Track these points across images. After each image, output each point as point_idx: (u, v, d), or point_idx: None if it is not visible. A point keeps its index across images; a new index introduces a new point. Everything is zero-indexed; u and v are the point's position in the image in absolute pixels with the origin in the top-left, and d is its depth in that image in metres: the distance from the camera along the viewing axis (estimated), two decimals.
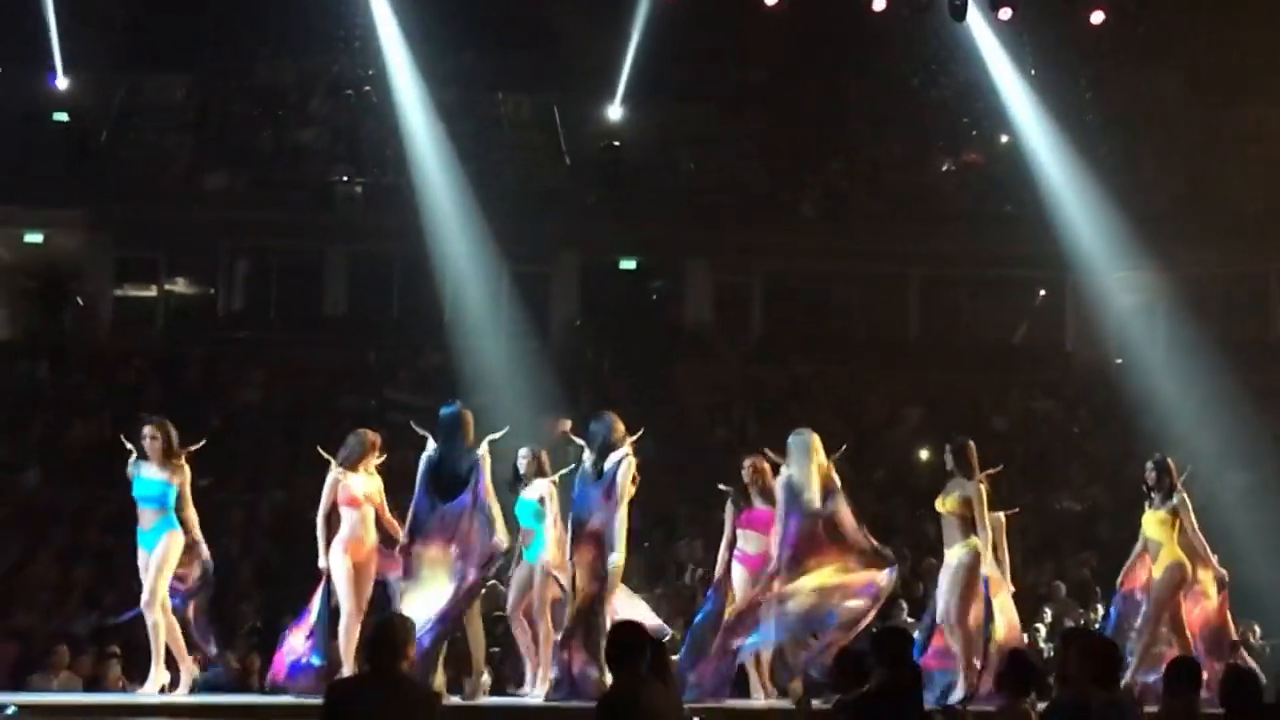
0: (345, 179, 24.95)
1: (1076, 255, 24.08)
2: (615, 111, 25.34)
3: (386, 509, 11.89)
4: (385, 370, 22.47)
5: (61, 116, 24.97)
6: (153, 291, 25.16)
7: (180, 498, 11.80)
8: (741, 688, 12.51)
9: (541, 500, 12.09)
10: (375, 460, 11.95)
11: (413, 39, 23.47)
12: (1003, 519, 12.75)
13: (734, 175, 26.25)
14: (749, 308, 26.12)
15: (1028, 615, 14.79)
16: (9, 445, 20.12)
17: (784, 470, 12.21)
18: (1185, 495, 12.66)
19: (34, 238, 24.78)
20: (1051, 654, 14.70)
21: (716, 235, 25.13)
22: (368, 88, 24.95)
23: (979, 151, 26.69)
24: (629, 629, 7.93)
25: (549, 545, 12.00)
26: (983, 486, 12.22)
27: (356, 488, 11.73)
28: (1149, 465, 12.86)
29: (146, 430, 11.80)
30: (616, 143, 25.32)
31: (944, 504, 12.31)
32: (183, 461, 11.84)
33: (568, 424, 14.47)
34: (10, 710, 10.03)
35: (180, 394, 21.09)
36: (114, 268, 24.90)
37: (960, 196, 26.34)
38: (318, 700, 9.83)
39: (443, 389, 20.65)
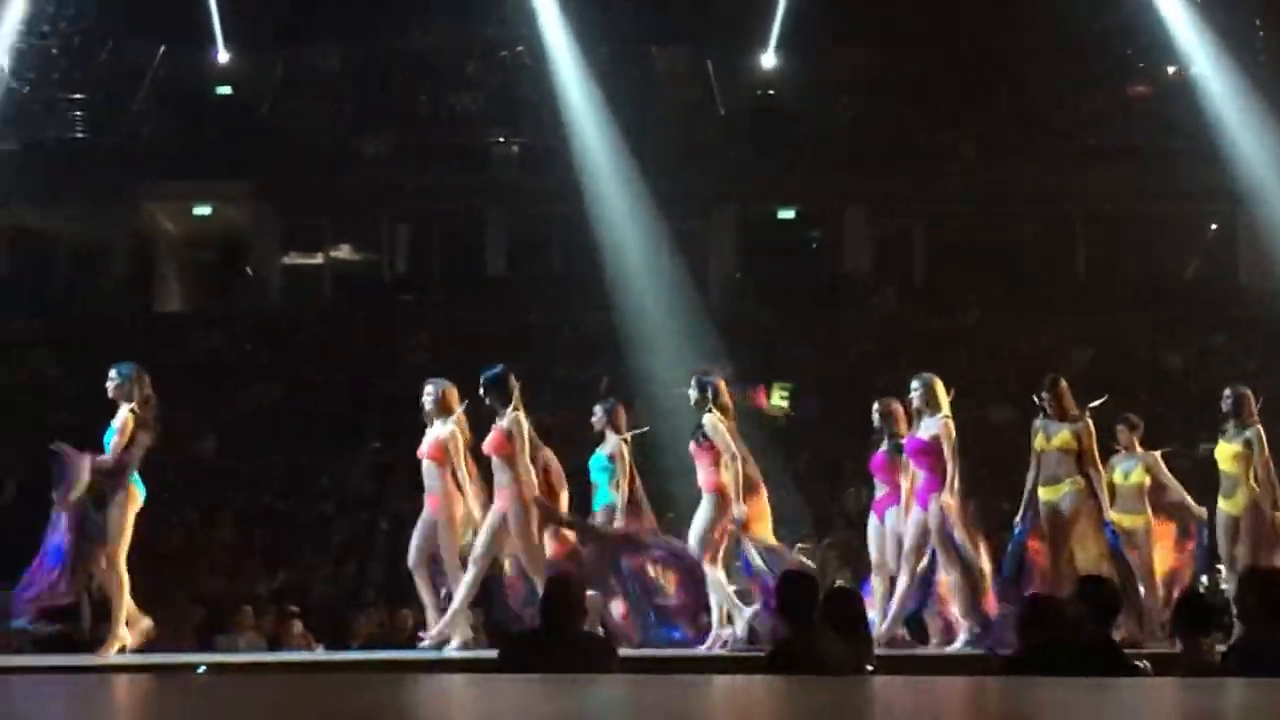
0: (502, 141, 25.10)
1: (1248, 188, 23.50)
2: (769, 60, 25.20)
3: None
4: (547, 331, 22.65)
5: (224, 90, 25.48)
6: (318, 259, 25.59)
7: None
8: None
9: (611, 457, 12.16)
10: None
11: None
12: (1158, 456, 12.62)
13: (891, 119, 25.97)
14: (909, 253, 25.89)
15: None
16: (185, 414, 20.61)
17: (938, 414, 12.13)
18: (1260, 429, 12.31)
19: (202, 210, 25.33)
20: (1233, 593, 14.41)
21: (875, 181, 24.89)
22: (521, 49, 25.06)
23: (1145, 84, 26.11)
24: (801, 579, 7.95)
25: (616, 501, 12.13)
26: (1089, 423, 12.07)
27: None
28: (1226, 394, 12.55)
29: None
30: (771, 92, 25.19)
31: (1048, 442, 12.15)
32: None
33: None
34: (201, 669, 10.34)
35: (348, 360, 21.45)
36: (280, 237, 25.35)
37: (1126, 131, 25.80)
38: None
39: (606, 347, 20.92)
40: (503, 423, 11.58)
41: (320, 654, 12.29)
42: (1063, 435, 11.96)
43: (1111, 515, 12.01)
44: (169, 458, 15.26)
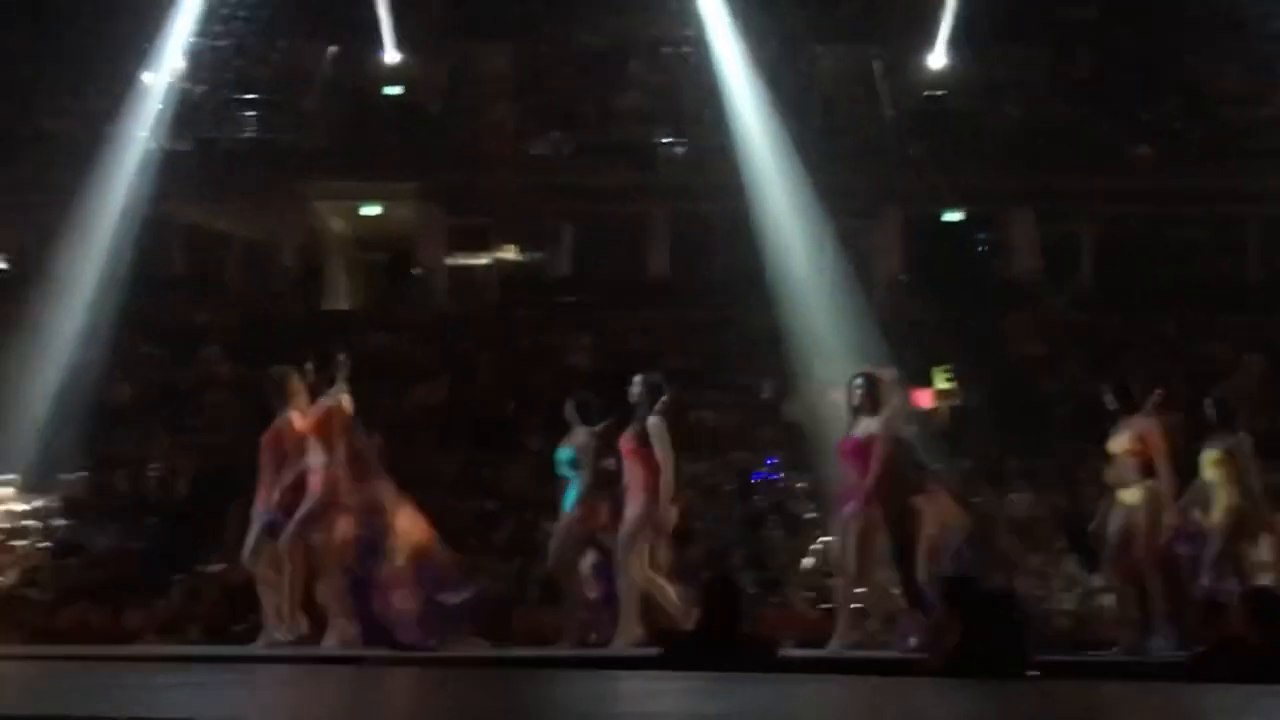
0: (667, 140, 25.09)
1: None
2: (937, 60, 24.93)
3: None
4: (709, 332, 22.60)
5: (394, 90, 25.80)
6: (483, 259, 25.76)
7: None
8: None
9: (578, 449, 12.20)
10: None
11: None
12: None
13: (1062, 119, 25.55)
14: (1078, 255, 25.45)
15: None
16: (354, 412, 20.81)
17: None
18: (1247, 436, 11.90)
19: (371, 210, 25.65)
20: None
21: (1044, 182, 24.49)
22: (686, 48, 25.04)
23: None
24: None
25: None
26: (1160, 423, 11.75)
27: None
28: (1207, 402, 12.21)
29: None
30: (939, 92, 24.91)
31: (1117, 444, 11.81)
32: None
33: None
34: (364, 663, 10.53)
35: (511, 359, 21.57)
36: (446, 237, 25.56)
37: None
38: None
39: (769, 348, 20.82)
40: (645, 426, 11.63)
41: (483, 650, 12.34)
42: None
43: None
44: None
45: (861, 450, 11.67)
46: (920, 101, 24.90)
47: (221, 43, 25.39)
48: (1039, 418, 20.57)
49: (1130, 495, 11.81)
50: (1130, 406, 11.84)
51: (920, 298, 23.62)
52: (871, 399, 11.78)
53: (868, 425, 11.75)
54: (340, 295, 25.65)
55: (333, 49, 25.98)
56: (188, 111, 24.65)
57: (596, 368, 22.09)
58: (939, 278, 24.14)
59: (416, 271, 25.11)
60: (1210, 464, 11.97)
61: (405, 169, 24.70)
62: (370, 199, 25.50)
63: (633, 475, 11.84)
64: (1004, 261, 25.29)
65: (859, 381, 11.90)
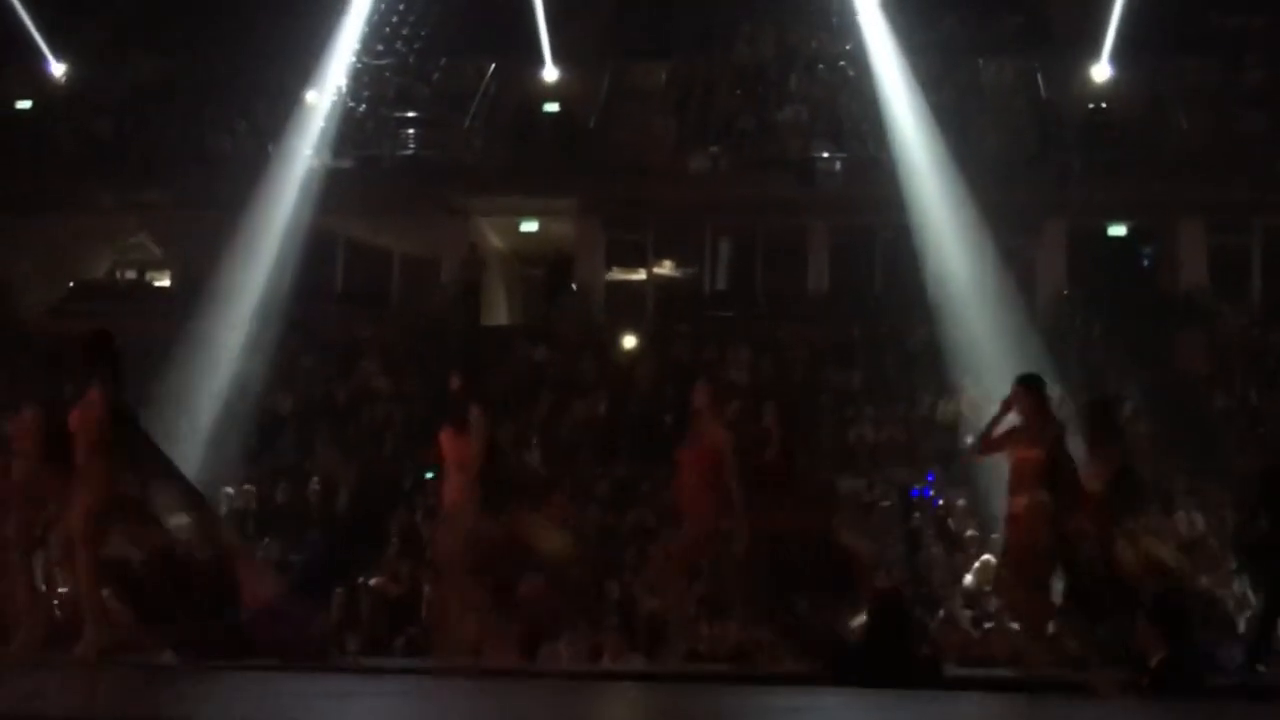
0: (826, 154, 24.92)
1: None
2: (1101, 71, 24.51)
3: None
4: (869, 347, 22.39)
5: (552, 107, 25.92)
6: (641, 274, 25.77)
7: None
8: None
9: None
10: None
11: (890, 9, 23.29)
12: None
13: (1230, 130, 24.95)
14: (1248, 269, 24.81)
15: None
16: (513, 426, 20.94)
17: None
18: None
19: (530, 226, 25.78)
20: None
21: (1213, 194, 23.93)
22: (846, 61, 24.88)
23: None
24: None
25: None
26: None
27: None
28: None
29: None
30: (1104, 104, 24.47)
31: None
32: None
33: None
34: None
35: (669, 374, 21.52)
36: (604, 252, 25.60)
37: None
38: None
39: (929, 363, 20.59)
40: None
41: (640, 664, 12.30)
42: None
43: None
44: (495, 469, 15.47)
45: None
46: (1085, 113, 24.48)
47: (383, 61, 25.74)
48: (1207, 435, 20.11)
49: None
50: None
51: (1084, 312, 23.19)
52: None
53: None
54: (499, 310, 25.80)
55: (492, 66, 26.17)
56: (350, 129, 25.01)
57: (755, 383, 21.99)
58: (1103, 292, 23.68)
59: (574, 286, 25.18)
60: None
61: (564, 185, 24.80)
62: (529, 214, 25.64)
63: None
64: (1170, 275, 24.74)
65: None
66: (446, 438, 11.12)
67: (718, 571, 11.75)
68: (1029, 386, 11.00)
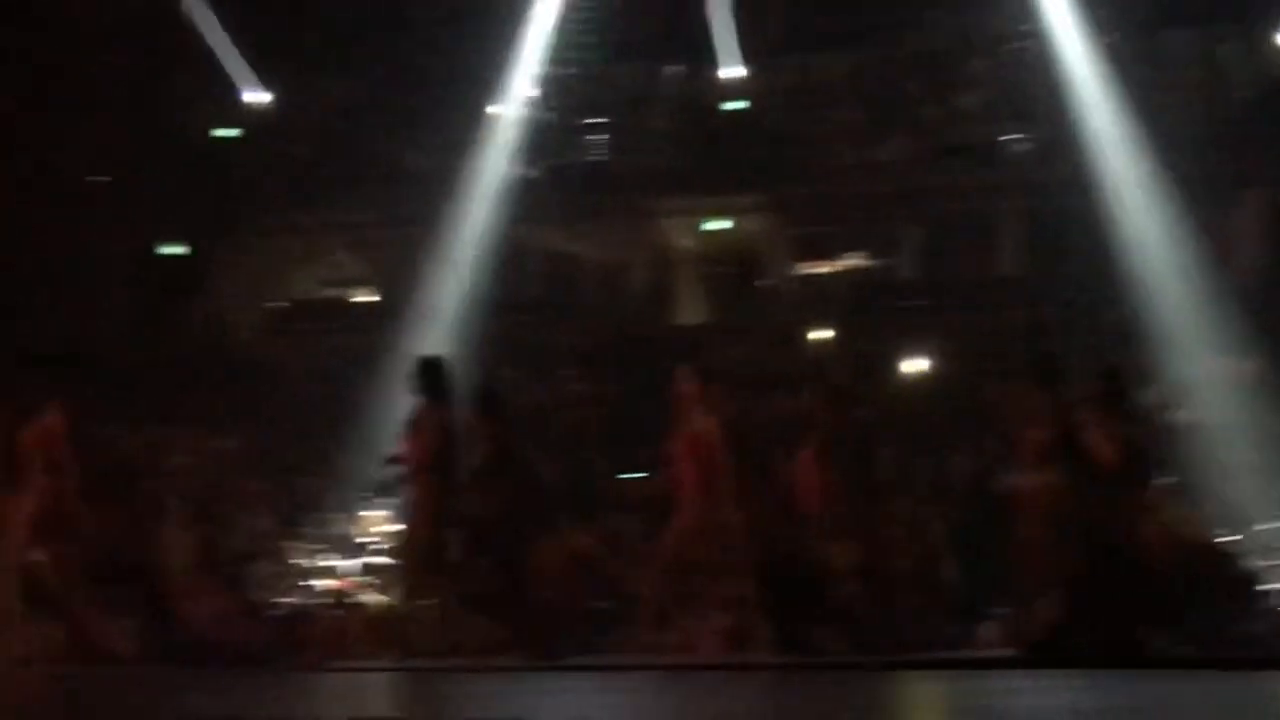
0: (1012, 137, 24.72)
1: None
2: None
3: None
4: (1063, 328, 22.15)
5: (736, 105, 26.06)
6: (830, 267, 25.79)
7: None
8: None
9: None
10: None
11: None
12: None
13: None
14: None
15: None
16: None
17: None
18: None
19: (717, 225, 25.96)
20: None
21: None
22: (1027, 42, 24.64)
23: None
24: None
25: None
26: None
27: None
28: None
29: None
30: None
31: None
32: None
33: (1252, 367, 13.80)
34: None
35: (862, 367, 21.54)
36: (793, 247, 25.67)
37: None
38: None
39: (1125, 344, 20.31)
40: None
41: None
42: None
43: None
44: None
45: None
46: (1273, 82, 23.94)
47: (569, 70, 26.07)
48: None
49: None
50: None
51: None
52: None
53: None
54: (690, 310, 26.02)
55: (675, 69, 26.39)
56: (539, 139, 25.39)
57: (950, 370, 21.96)
58: None
59: (765, 283, 25.29)
60: None
61: (750, 183, 24.94)
62: (716, 214, 25.81)
63: None
64: None
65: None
66: (682, 439, 11.28)
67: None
68: None
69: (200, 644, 12.61)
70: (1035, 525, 10.95)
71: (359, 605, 15.99)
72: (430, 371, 12.02)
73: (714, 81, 26.00)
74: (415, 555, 12.03)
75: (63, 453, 11.00)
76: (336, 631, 15.44)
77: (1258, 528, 14.86)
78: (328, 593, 16.96)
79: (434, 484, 11.60)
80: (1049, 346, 16.69)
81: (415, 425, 11.56)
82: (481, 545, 11.43)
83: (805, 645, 11.69)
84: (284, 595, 17.16)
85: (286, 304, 26.41)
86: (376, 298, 26.45)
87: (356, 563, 17.30)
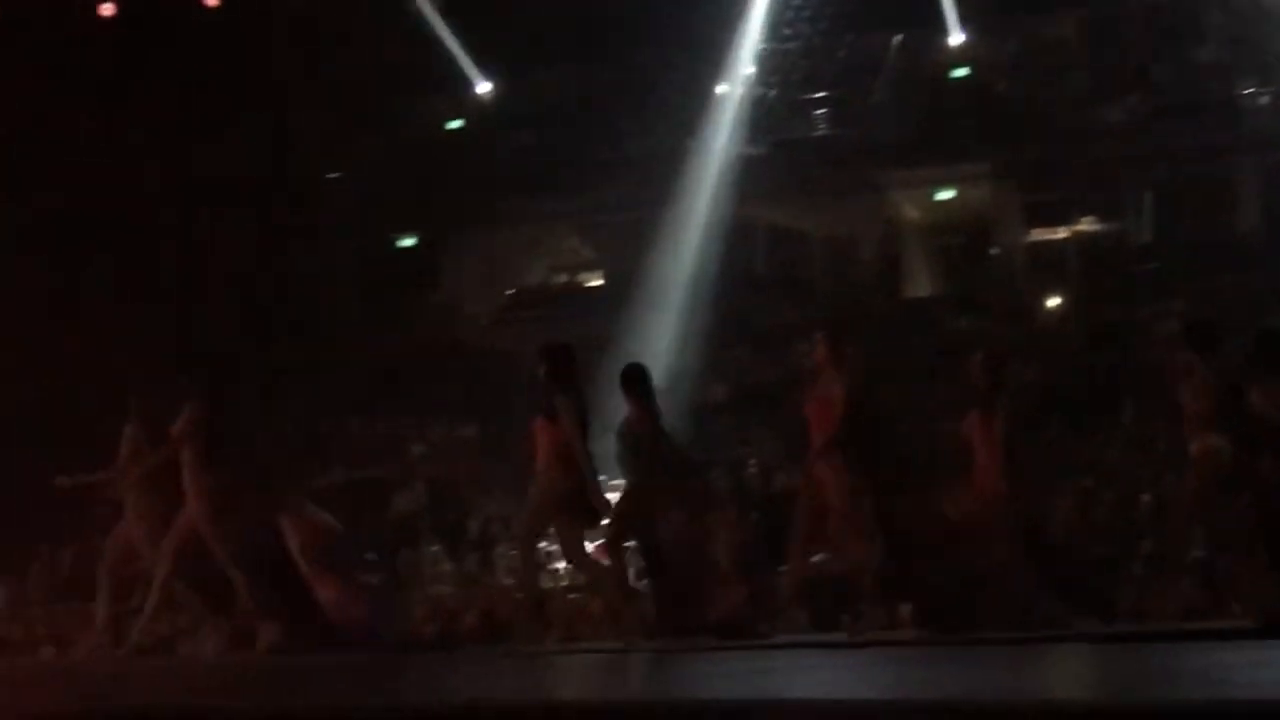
0: (1249, 91, 23.98)
1: None
2: None
3: None
4: None
5: (960, 72, 25.74)
6: (1062, 233, 25.34)
7: None
8: None
9: None
10: None
11: None
12: None
13: None
14: None
15: None
16: (941, 396, 20.91)
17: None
18: None
19: (945, 195, 25.68)
20: None
21: None
22: None
23: None
24: None
25: None
26: None
27: None
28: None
29: None
30: None
31: None
32: None
33: None
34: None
35: (1094, 333, 21.16)
36: (1023, 215, 25.29)
37: None
38: None
39: None
40: None
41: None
42: None
43: None
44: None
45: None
46: None
47: (789, 45, 26.00)
48: None
49: None
50: None
51: None
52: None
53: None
54: (920, 282, 25.79)
55: (897, 38, 26.15)
56: (761, 116, 25.41)
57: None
58: None
59: (995, 252, 24.96)
60: None
61: (977, 150, 24.61)
62: (944, 184, 25.54)
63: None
64: None
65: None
66: (972, 423, 11.24)
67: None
68: None
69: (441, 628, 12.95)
70: (1205, 489, 10.75)
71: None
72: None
73: (938, 48, 25.70)
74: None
75: (210, 447, 11.34)
76: (576, 613, 15.71)
77: None
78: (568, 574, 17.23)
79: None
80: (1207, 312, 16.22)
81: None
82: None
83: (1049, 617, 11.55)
84: (526, 578, 17.49)
85: (518, 291, 26.83)
86: (603, 282, 26.75)
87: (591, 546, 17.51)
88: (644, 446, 11.31)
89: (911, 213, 26.12)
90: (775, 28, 25.81)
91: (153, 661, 11.70)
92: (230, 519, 11.43)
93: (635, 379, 11.48)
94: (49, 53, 21.98)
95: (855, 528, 11.01)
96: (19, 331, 19.25)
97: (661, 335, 22.35)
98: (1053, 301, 23.06)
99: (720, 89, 25.35)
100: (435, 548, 18.94)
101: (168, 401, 11.63)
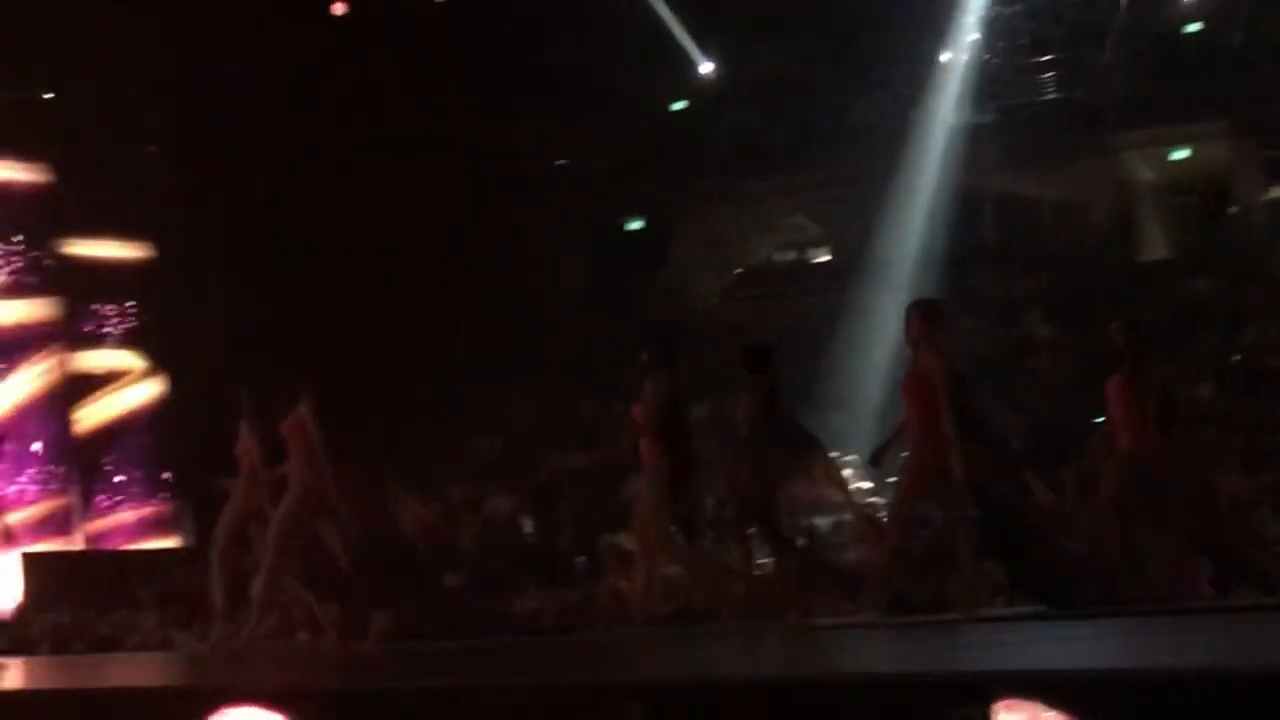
0: None
1: None
2: None
3: None
4: None
5: (1193, 27, 25.08)
6: None
7: None
8: None
9: None
10: None
11: None
12: None
13: None
14: None
15: None
16: (1179, 361, 20.46)
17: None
18: None
19: (1180, 154, 25.07)
20: None
21: None
22: None
23: None
24: None
25: None
26: None
27: None
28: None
29: None
30: None
31: None
32: None
33: None
34: None
35: None
36: (1263, 170, 24.57)
37: None
38: None
39: None
40: None
41: None
42: None
43: None
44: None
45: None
46: None
47: (1013, 8, 25.61)
48: None
49: None
50: None
51: None
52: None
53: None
54: (1155, 245, 25.23)
55: None
56: (987, 82, 25.10)
57: None
58: None
59: (1233, 210, 24.30)
60: None
61: (1212, 107, 23.96)
62: (1178, 143, 24.93)
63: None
64: None
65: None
66: (1113, 386, 11.11)
67: None
68: None
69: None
70: None
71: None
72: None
73: (1169, 4, 25.08)
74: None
75: (315, 443, 11.57)
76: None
77: None
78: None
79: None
80: None
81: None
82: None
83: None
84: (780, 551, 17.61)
85: (745, 270, 26.93)
86: (829, 258, 26.70)
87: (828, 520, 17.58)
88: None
89: (1145, 174, 25.53)
90: None
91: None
92: (340, 511, 11.69)
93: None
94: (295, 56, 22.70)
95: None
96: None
97: (889, 308, 22.24)
98: None
99: (944, 57, 25.09)
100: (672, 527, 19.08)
101: (283, 399, 11.92)
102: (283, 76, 22.73)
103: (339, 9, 23.93)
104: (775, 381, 11.75)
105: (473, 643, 12.29)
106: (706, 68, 26.68)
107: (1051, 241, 25.32)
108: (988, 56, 25.35)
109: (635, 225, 27.71)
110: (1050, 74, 25.35)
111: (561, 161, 26.49)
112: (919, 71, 25.01)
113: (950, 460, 10.38)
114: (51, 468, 22.39)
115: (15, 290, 22.59)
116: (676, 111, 27.20)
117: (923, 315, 10.93)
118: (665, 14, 25.73)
